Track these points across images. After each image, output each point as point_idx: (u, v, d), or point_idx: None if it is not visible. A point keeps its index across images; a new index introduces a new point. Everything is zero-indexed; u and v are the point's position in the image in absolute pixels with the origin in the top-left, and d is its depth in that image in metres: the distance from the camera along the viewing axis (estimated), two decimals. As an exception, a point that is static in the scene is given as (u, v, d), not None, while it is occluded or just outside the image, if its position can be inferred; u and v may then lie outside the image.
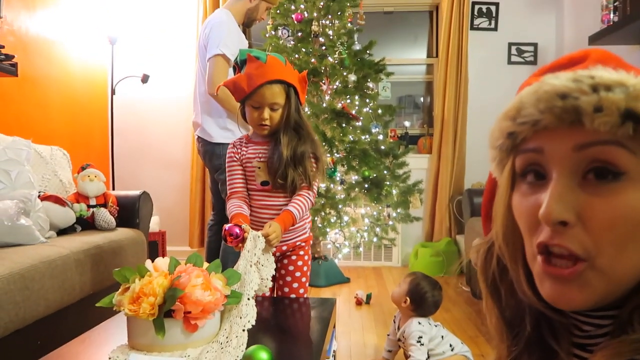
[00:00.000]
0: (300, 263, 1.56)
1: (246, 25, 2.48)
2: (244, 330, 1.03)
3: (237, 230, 1.32)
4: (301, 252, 1.58)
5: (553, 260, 0.44)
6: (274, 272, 1.33)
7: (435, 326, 1.78)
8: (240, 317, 1.07)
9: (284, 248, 1.54)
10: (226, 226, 1.34)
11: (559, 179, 0.44)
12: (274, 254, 1.50)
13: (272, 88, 1.43)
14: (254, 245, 1.30)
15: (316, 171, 1.52)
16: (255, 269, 1.25)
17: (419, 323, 1.76)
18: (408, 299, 1.79)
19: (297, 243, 1.57)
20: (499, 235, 0.51)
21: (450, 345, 1.75)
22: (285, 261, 1.56)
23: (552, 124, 0.44)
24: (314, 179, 1.51)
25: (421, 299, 1.78)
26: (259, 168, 1.49)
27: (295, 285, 1.55)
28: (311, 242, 1.63)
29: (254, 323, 1.06)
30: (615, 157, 0.41)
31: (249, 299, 1.12)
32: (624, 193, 0.41)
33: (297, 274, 1.55)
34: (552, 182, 0.44)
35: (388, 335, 1.97)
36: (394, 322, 1.93)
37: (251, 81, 1.41)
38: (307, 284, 1.59)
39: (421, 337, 1.72)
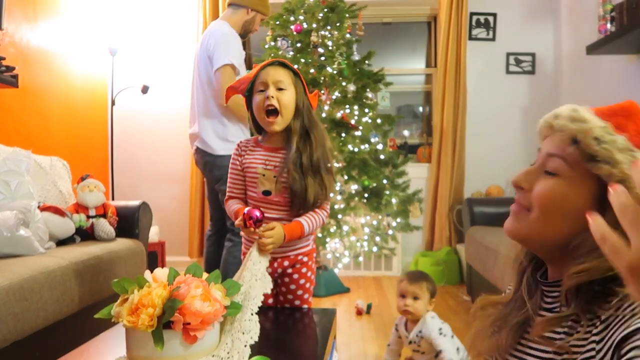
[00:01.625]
0: (302, 281, 1.48)
1: (242, 36, 2.51)
2: (245, 346, 1.02)
3: (257, 213, 1.24)
4: (303, 270, 1.48)
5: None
6: (269, 290, 1.26)
7: (452, 337, 1.79)
8: (243, 333, 1.05)
9: (286, 263, 1.46)
10: (245, 210, 1.26)
11: (535, 166, 0.74)
12: (275, 271, 1.46)
13: (276, 68, 1.39)
14: (259, 258, 1.25)
15: (330, 185, 1.42)
16: (261, 284, 1.21)
17: (432, 317, 1.79)
18: (433, 300, 1.83)
19: (299, 257, 1.47)
20: None
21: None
22: (287, 279, 1.48)
23: (548, 133, 0.74)
24: (330, 192, 1.43)
25: (435, 288, 1.85)
26: (263, 175, 1.39)
27: (297, 302, 1.49)
28: (314, 254, 1.54)
29: (256, 339, 1.04)
30: (558, 164, 0.69)
31: (252, 314, 1.10)
32: (555, 181, 0.69)
33: (299, 292, 1.48)
34: (532, 167, 0.74)
35: (389, 345, 1.95)
36: (396, 331, 1.91)
37: (254, 69, 1.39)
38: (310, 299, 1.51)
39: (441, 329, 1.76)
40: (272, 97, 1.35)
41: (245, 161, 1.44)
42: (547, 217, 0.68)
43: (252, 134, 1.56)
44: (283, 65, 1.41)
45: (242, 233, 1.50)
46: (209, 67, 2.35)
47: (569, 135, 0.67)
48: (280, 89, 1.37)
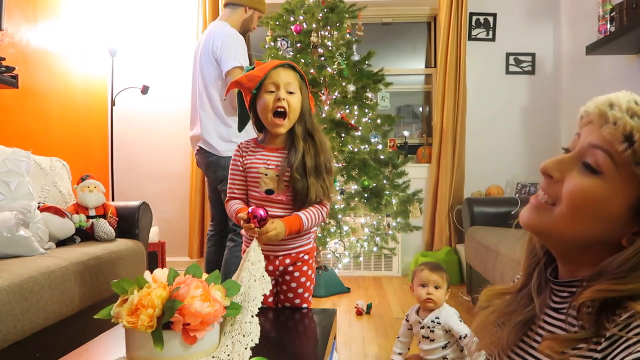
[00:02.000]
0: (303, 279, 1.49)
1: (242, 35, 2.51)
2: (246, 348, 1.02)
3: (261, 212, 1.27)
4: (304, 268, 1.50)
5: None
6: (267, 292, 1.27)
7: None
8: (244, 335, 1.05)
9: (287, 261, 1.47)
10: (249, 209, 1.28)
11: (570, 155, 0.64)
12: (276, 268, 1.47)
13: (286, 70, 1.41)
14: (258, 258, 1.27)
15: (330, 186, 1.46)
16: (259, 284, 1.22)
17: (450, 307, 1.82)
18: (449, 291, 1.84)
19: (300, 255, 1.49)
20: None
21: None
22: (288, 277, 1.49)
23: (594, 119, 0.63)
24: (331, 192, 1.46)
25: (449, 279, 1.86)
26: (266, 175, 1.42)
27: (297, 301, 1.50)
28: (315, 253, 1.56)
29: (257, 341, 1.05)
30: (603, 161, 0.59)
31: (252, 316, 1.10)
32: (594, 182, 0.60)
33: (300, 290, 1.49)
34: (568, 154, 0.65)
35: (398, 337, 1.92)
36: (407, 321, 1.89)
37: (263, 68, 1.40)
38: (310, 298, 1.52)
39: (458, 315, 1.79)
40: (284, 99, 1.38)
41: (247, 162, 1.46)
42: (575, 218, 0.61)
43: (240, 130, 1.57)
44: (292, 68, 1.44)
45: (242, 232, 1.51)
46: (216, 68, 2.34)
47: (623, 130, 0.58)
48: (290, 92, 1.40)
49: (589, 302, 0.58)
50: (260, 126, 1.50)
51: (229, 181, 1.50)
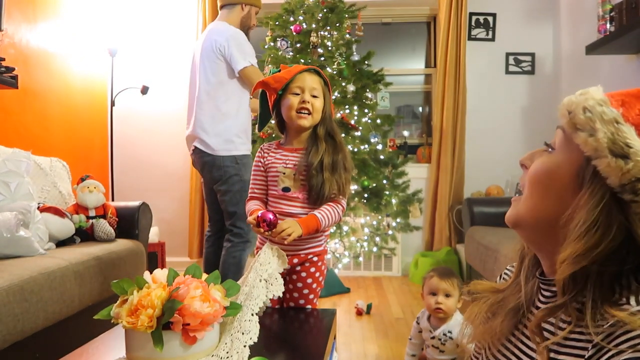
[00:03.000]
0: (309, 281, 1.50)
1: None
2: (245, 346, 1.02)
3: (270, 216, 1.32)
4: (312, 269, 1.50)
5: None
6: (280, 294, 1.26)
7: None
8: (243, 333, 1.05)
9: (295, 261, 1.48)
10: (259, 212, 1.34)
11: (542, 148, 0.69)
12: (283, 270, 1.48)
13: (311, 75, 1.48)
14: (267, 259, 1.28)
15: (346, 183, 1.50)
16: (265, 284, 1.22)
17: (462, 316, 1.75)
18: (462, 297, 1.73)
19: (310, 256, 1.49)
20: None
21: None
22: (295, 277, 1.50)
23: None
24: (346, 192, 1.50)
25: (461, 284, 1.75)
26: (284, 174, 1.47)
27: (301, 302, 1.50)
28: (325, 256, 1.56)
29: (256, 340, 1.05)
30: (559, 136, 0.65)
31: (252, 314, 1.11)
32: (548, 157, 0.66)
33: (305, 291, 1.50)
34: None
35: (410, 339, 1.86)
36: (417, 324, 1.82)
37: (291, 71, 1.47)
38: (315, 300, 1.53)
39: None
40: (308, 101, 1.45)
41: (267, 162, 1.52)
42: (534, 196, 0.66)
43: (259, 129, 1.63)
44: (318, 73, 1.51)
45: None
46: (219, 66, 2.34)
47: (567, 106, 0.64)
48: (314, 96, 1.47)
49: (566, 277, 0.59)
50: (282, 127, 1.56)
51: (250, 181, 1.56)
